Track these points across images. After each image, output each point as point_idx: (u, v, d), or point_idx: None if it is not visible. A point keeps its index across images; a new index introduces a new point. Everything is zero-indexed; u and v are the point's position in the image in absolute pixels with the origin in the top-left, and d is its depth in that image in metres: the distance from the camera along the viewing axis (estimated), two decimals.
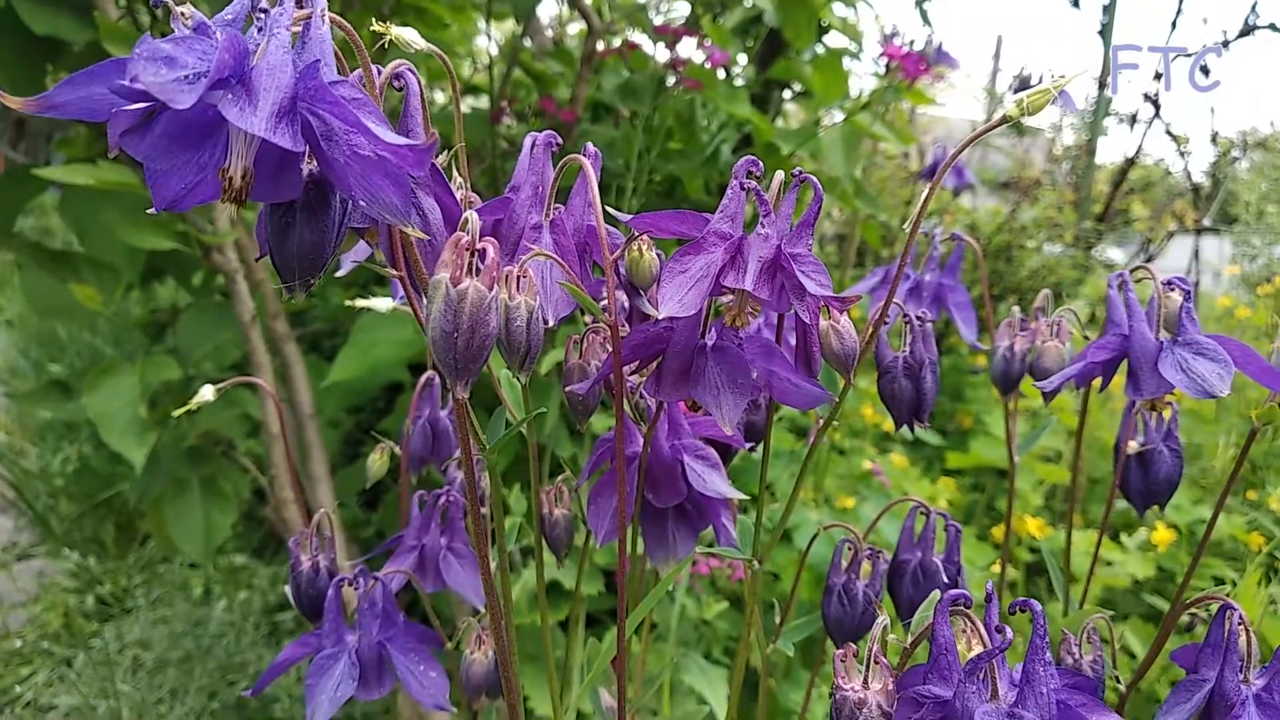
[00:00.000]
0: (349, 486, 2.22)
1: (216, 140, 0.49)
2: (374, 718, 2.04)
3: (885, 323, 0.68)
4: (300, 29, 0.49)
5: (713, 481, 0.77)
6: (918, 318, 0.75)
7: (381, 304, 1.02)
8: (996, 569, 2.15)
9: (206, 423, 2.02)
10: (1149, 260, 4.09)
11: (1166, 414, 0.90)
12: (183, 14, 0.45)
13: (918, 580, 0.84)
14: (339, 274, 0.74)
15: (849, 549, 0.83)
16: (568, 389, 0.73)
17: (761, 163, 0.60)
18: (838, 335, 0.64)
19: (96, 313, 1.92)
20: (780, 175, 0.62)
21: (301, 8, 0.48)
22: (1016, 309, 0.97)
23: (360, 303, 1.04)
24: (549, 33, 3.26)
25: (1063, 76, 0.54)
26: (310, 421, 1.96)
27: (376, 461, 1.07)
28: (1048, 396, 0.83)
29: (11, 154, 2.06)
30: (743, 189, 0.59)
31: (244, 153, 0.48)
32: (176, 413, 1.04)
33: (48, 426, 3.21)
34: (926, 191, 0.61)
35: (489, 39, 2.49)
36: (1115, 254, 4.61)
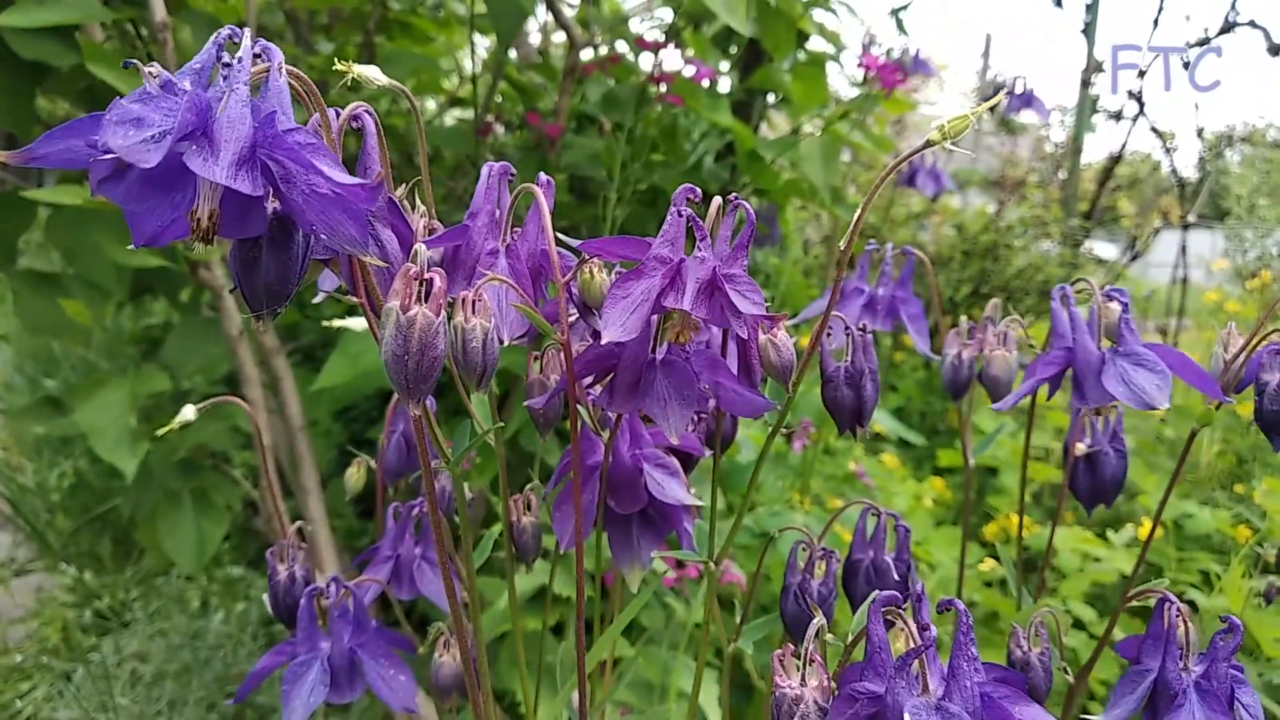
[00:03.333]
0: (342, 497, 2.25)
1: (188, 182, 0.53)
2: (368, 714, 2.07)
3: (829, 334, 0.72)
4: (261, 79, 0.52)
5: (672, 489, 0.80)
6: (859, 329, 0.78)
7: (357, 324, 1.05)
8: (984, 567, 2.18)
9: (197, 436, 2.05)
10: (1136, 257, 4.12)
11: (1112, 416, 0.93)
12: (151, 73, 0.49)
13: (870, 578, 0.88)
14: (315, 301, 0.78)
15: (804, 550, 0.87)
16: (527, 404, 0.77)
17: (699, 189, 0.64)
18: (775, 349, 0.67)
19: (89, 329, 1.95)
20: (717, 200, 0.66)
21: (260, 61, 0.52)
22: (965, 319, 1.00)
23: (338, 323, 1.07)
24: (535, 39, 3.29)
25: (981, 105, 0.57)
26: (301, 434, 1.99)
27: (354, 475, 1.10)
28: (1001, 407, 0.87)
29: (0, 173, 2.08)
30: (680, 215, 0.63)
31: (210, 196, 0.52)
32: (161, 431, 1.07)
33: (44, 442, 3.23)
34: (859, 212, 0.64)
35: (473, 51, 2.52)
36: (1105, 250, 4.65)
